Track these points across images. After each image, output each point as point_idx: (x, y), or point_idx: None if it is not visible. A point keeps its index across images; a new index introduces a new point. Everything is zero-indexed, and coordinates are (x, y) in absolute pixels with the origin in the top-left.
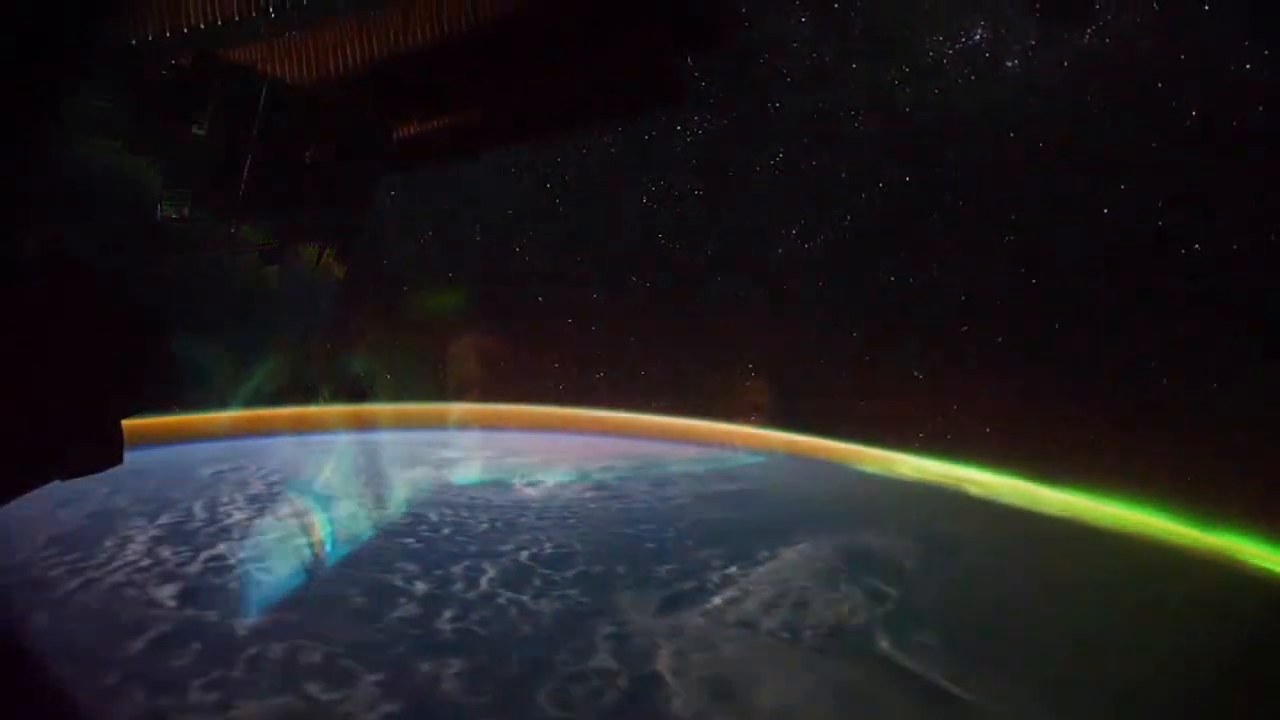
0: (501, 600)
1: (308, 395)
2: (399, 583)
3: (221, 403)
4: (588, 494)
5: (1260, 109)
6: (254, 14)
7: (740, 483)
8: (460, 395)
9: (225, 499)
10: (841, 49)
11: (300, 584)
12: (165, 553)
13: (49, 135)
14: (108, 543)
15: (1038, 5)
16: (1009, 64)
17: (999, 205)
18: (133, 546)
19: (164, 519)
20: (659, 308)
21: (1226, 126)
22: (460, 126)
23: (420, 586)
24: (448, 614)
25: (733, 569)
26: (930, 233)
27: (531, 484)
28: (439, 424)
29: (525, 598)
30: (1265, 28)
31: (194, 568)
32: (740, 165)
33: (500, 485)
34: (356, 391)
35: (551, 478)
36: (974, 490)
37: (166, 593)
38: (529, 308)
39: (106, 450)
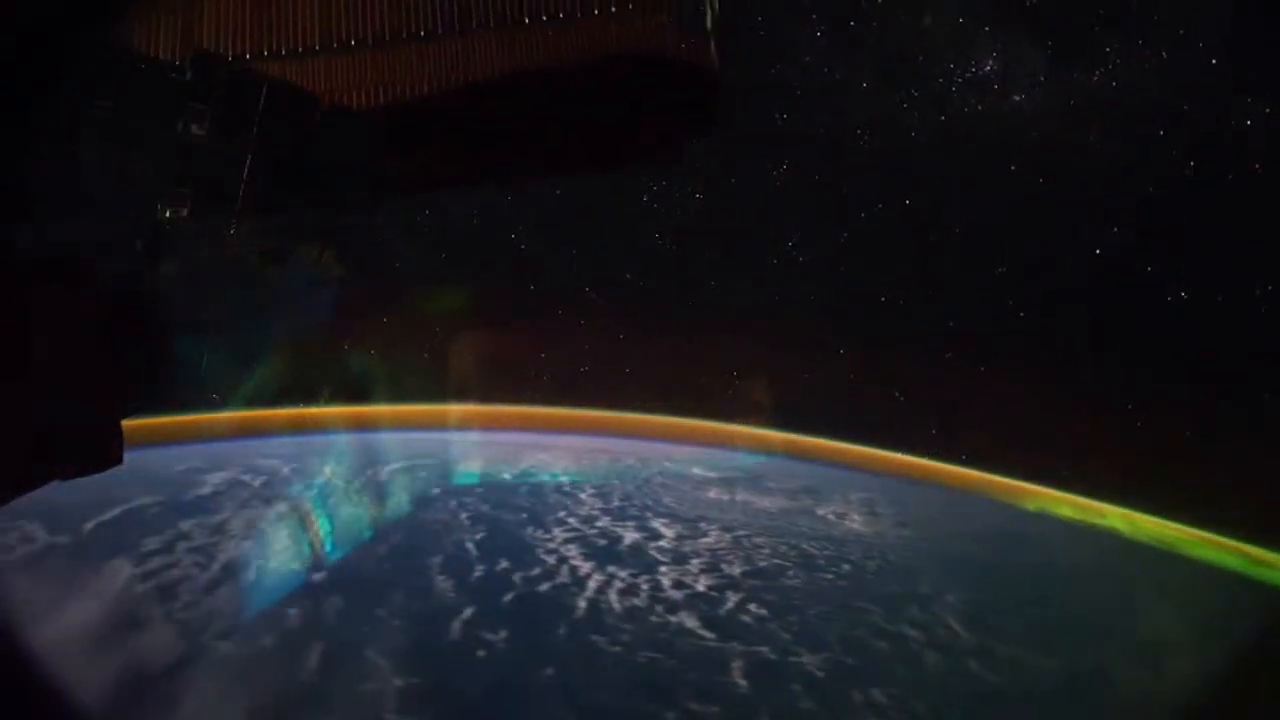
0: None
1: (308, 395)
2: None
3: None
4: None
5: (1257, 166)
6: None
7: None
8: (460, 395)
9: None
10: (853, 67)
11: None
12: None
13: (49, 135)
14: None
15: (1049, 41)
16: (1016, 97)
17: (994, 235)
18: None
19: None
20: (653, 307)
21: (1223, 179)
22: (457, 167)
23: None
24: None
25: None
26: (925, 257)
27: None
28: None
29: None
30: (1266, 86)
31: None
32: (743, 173)
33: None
34: (356, 391)
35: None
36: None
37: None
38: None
39: (106, 450)
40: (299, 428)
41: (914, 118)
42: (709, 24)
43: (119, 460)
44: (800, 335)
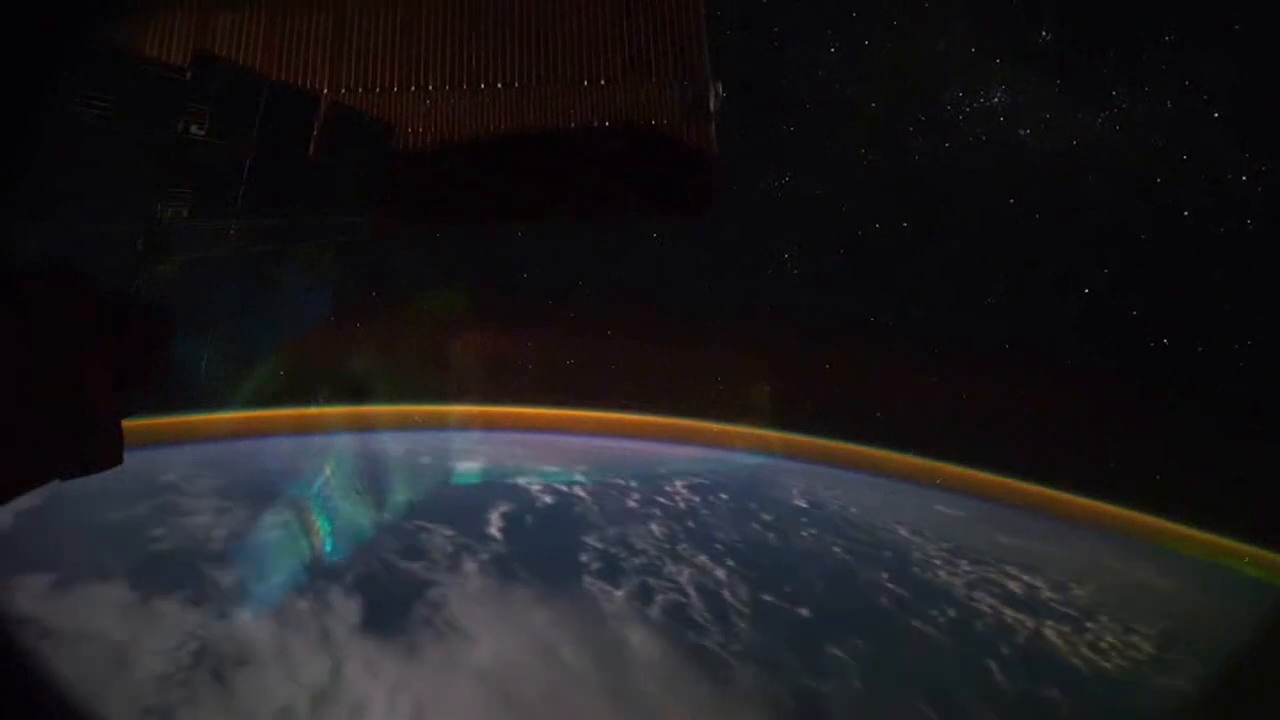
0: None
1: (308, 395)
2: None
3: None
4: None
5: (1248, 221)
6: None
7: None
8: (460, 395)
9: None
10: (864, 86)
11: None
12: None
13: (49, 135)
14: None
15: (1059, 80)
16: (1021, 131)
17: (988, 265)
18: None
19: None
20: (646, 306)
21: (1216, 230)
22: (480, 202)
23: None
24: None
25: None
26: (917, 282)
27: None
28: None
29: None
30: (1265, 143)
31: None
32: (745, 180)
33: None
34: (356, 391)
35: None
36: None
37: None
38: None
39: (106, 450)
40: (299, 428)
41: (919, 142)
42: (712, 107)
43: (119, 460)
44: (788, 347)
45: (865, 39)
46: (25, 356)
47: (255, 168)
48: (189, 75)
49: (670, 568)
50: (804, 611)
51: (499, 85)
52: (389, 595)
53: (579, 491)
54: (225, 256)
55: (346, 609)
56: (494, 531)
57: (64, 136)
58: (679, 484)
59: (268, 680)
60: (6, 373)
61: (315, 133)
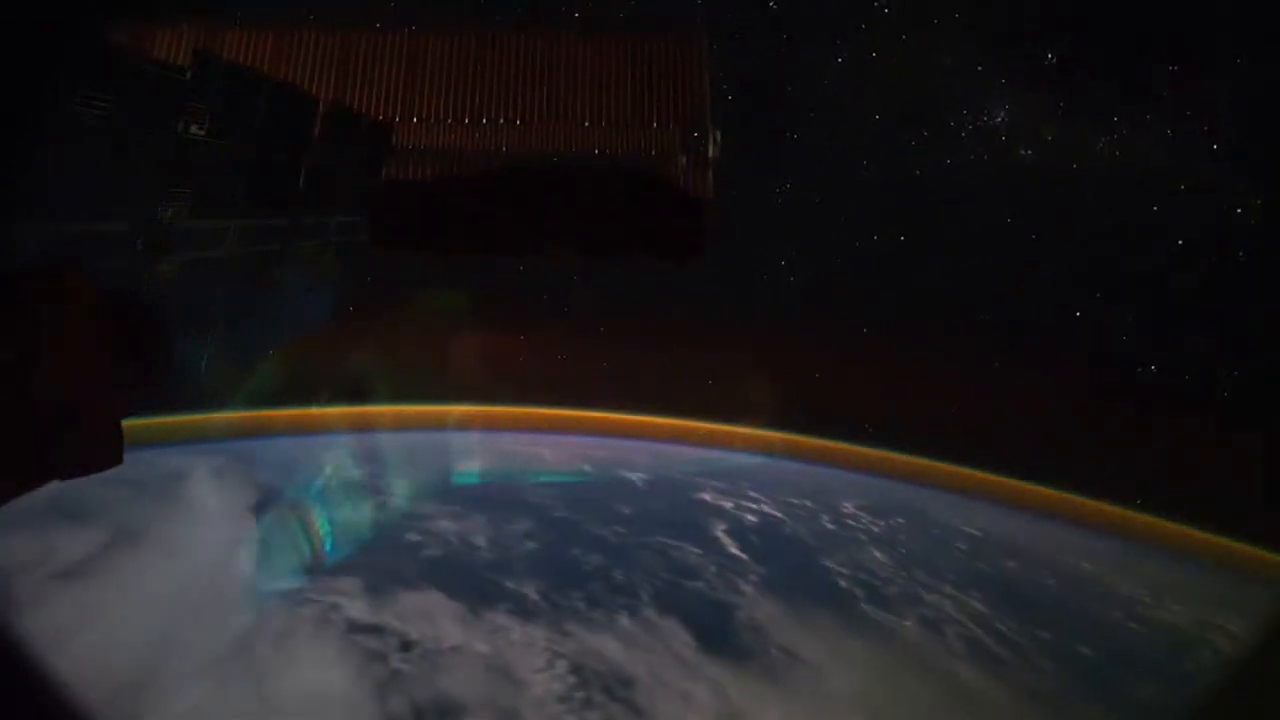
0: None
1: (308, 395)
2: None
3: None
4: None
5: (1240, 253)
6: None
7: None
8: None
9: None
10: (869, 97)
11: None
12: None
13: (49, 135)
14: None
15: (1061, 103)
16: (1022, 151)
17: (981, 283)
18: None
19: None
20: (638, 305)
21: (1208, 261)
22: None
23: None
24: None
25: None
26: (911, 295)
27: None
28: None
29: None
30: (1262, 176)
31: None
32: (746, 185)
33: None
34: (356, 391)
35: None
36: None
37: None
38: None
39: (106, 450)
40: (299, 428)
41: (921, 156)
42: (711, 153)
43: (119, 460)
44: (780, 351)
45: (873, 50)
46: (25, 357)
47: (255, 168)
48: (189, 75)
49: (929, 597)
50: (1085, 650)
51: (501, 121)
52: (707, 617)
53: (768, 509)
54: (225, 256)
55: (671, 629)
56: (735, 551)
57: (64, 136)
58: (850, 505)
59: (663, 701)
60: (7, 373)
61: (315, 133)
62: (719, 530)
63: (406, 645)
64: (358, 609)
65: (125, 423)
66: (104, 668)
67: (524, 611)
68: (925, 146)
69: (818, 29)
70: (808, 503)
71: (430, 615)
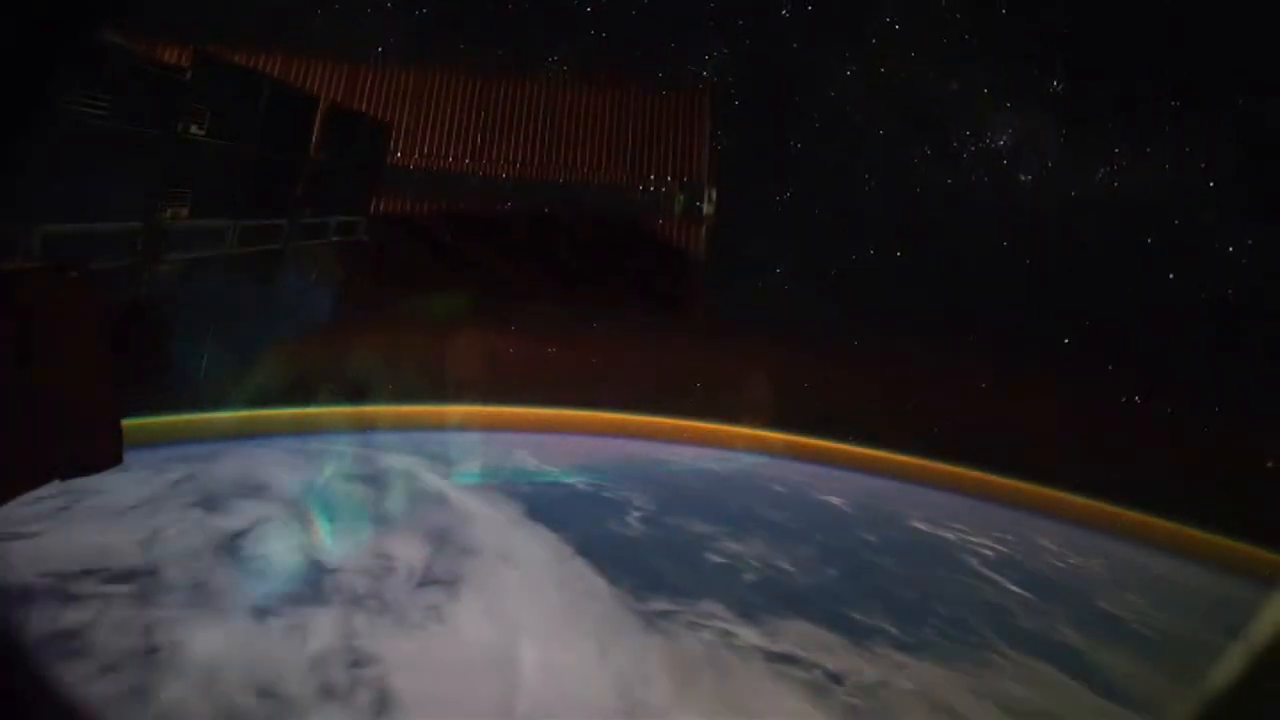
0: None
1: (307, 395)
2: None
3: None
4: None
5: (1229, 291)
6: None
7: None
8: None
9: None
10: (874, 112)
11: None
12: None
13: (49, 135)
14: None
15: (1064, 131)
16: (1022, 176)
17: (973, 305)
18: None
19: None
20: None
21: (1196, 297)
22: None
23: None
24: None
25: None
26: (903, 312)
27: None
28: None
29: None
30: (1256, 217)
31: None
32: (746, 191)
33: None
34: (356, 391)
35: None
36: None
37: None
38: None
39: (106, 450)
40: (300, 428)
41: (922, 174)
42: (706, 210)
43: (119, 460)
44: (771, 356)
45: (881, 66)
46: (25, 356)
47: (255, 168)
48: (189, 75)
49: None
50: None
51: (501, 162)
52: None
53: (986, 541)
54: (225, 256)
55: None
56: (1015, 588)
57: (64, 136)
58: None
59: None
60: (7, 373)
61: (315, 133)
62: (978, 564)
63: (835, 678)
64: (754, 637)
65: (125, 423)
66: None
67: (902, 644)
68: (927, 165)
69: (827, 39)
70: (1007, 536)
71: (825, 645)
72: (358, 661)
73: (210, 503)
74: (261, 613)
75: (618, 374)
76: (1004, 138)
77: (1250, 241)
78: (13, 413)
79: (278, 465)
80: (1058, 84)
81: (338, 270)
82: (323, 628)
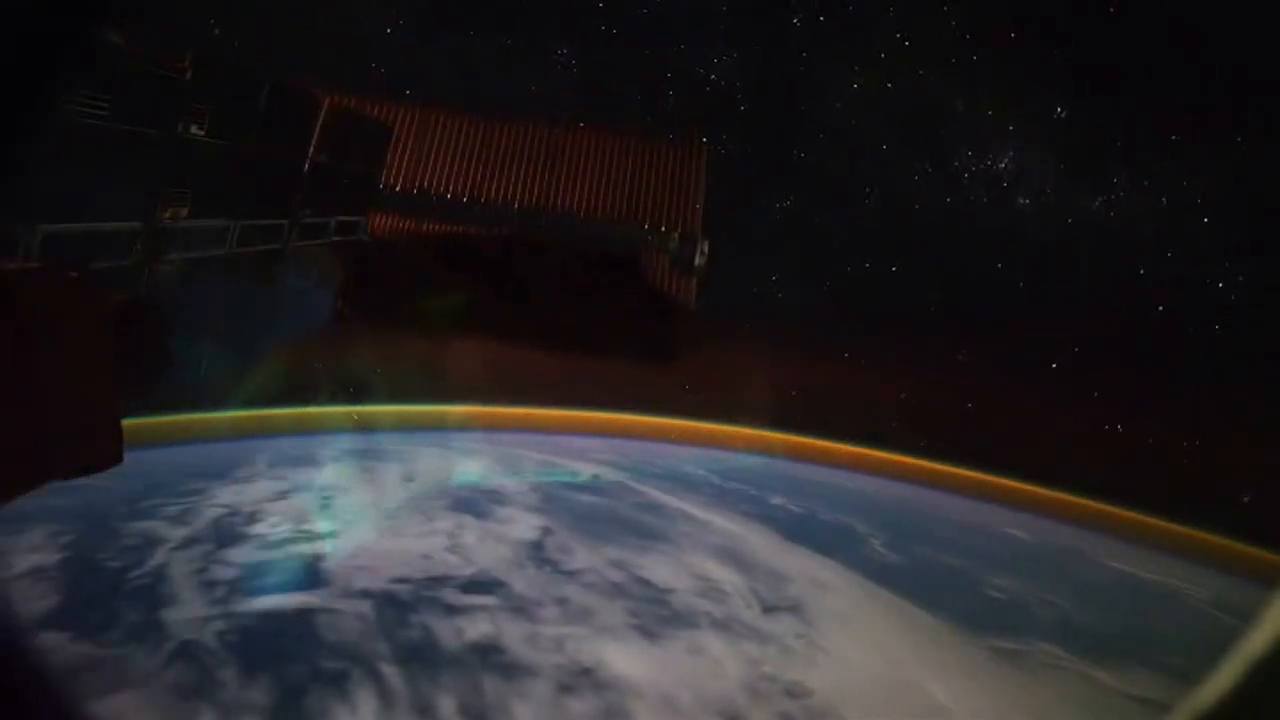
0: None
1: (307, 395)
2: None
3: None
4: None
5: (1216, 327)
6: None
7: None
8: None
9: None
10: (879, 127)
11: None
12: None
13: (49, 135)
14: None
15: (1065, 158)
16: (1021, 200)
17: (964, 323)
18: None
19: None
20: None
21: (1185, 329)
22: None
23: None
24: None
25: None
26: (895, 327)
27: None
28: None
29: None
30: (1246, 255)
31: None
32: (746, 197)
33: None
34: (355, 392)
35: None
36: None
37: None
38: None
39: (106, 450)
40: (300, 428)
41: (922, 191)
42: (697, 261)
43: (119, 460)
44: (759, 361)
45: (889, 82)
46: (25, 356)
47: (255, 168)
48: (189, 75)
49: None
50: None
51: (498, 201)
52: None
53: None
54: (225, 256)
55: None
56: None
57: (64, 136)
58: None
59: None
60: (7, 373)
61: (315, 133)
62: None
63: None
64: (1119, 680)
65: (125, 422)
66: None
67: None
68: (928, 182)
69: (837, 52)
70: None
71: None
72: (792, 691)
73: (469, 506)
74: (646, 633)
75: (612, 375)
76: (1005, 160)
77: (1240, 278)
78: (11, 413)
79: (468, 465)
80: (1061, 111)
81: (338, 270)
82: (716, 650)
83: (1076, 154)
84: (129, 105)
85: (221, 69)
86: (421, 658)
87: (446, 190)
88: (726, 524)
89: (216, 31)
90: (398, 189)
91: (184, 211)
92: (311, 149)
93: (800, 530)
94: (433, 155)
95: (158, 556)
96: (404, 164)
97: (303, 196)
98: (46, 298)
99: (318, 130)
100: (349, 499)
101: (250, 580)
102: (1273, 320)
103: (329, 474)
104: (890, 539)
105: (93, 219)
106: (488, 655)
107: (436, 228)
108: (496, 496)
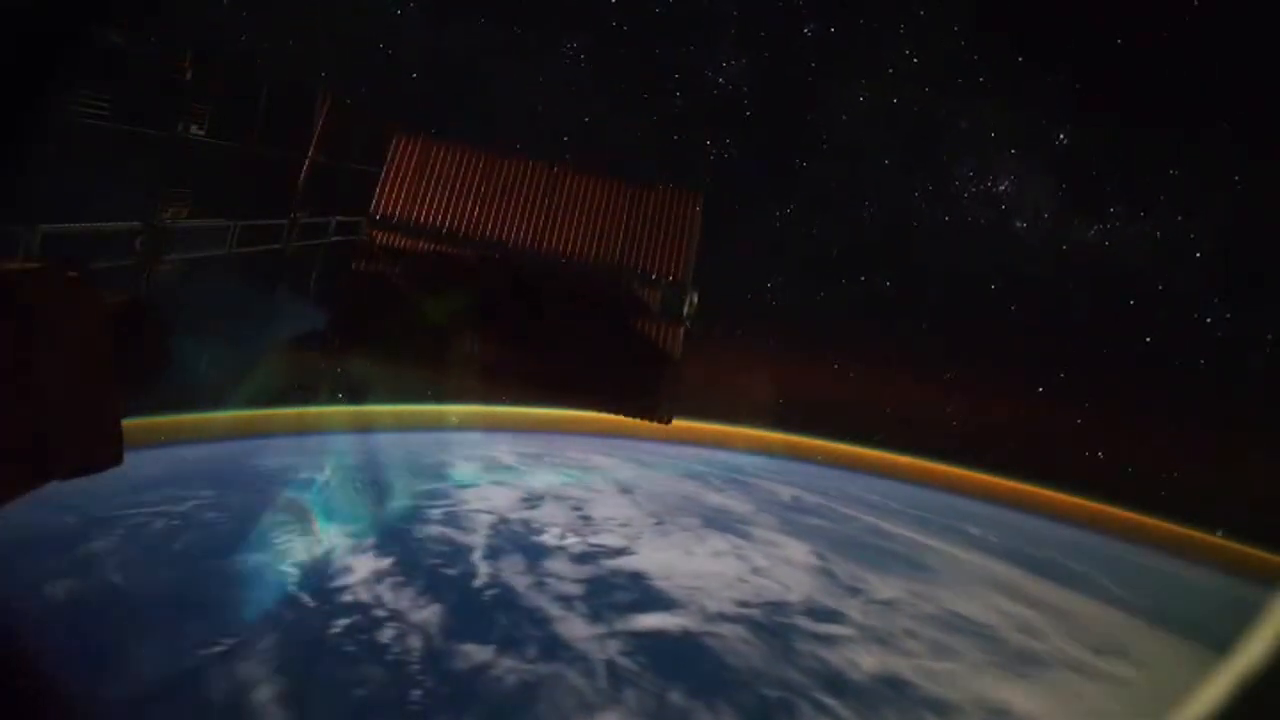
0: None
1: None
2: None
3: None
4: None
5: (1200, 361)
6: None
7: None
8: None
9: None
10: (883, 142)
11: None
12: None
13: (49, 135)
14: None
15: (1064, 184)
16: (1018, 223)
17: (954, 342)
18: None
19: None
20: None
21: (1172, 361)
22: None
23: None
24: None
25: None
26: (886, 341)
27: None
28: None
29: None
30: (1235, 294)
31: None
32: (746, 203)
33: None
34: (354, 392)
35: None
36: None
37: None
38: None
39: (106, 450)
40: (299, 428)
41: (921, 208)
42: (686, 312)
43: (119, 460)
44: (749, 365)
45: (895, 97)
46: (25, 356)
47: (255, 168)
48: (189, 75)
49: None
50: None
51: (493, 238)
52: None
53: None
54: (225, 256)
55: None
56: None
57: (64, 136)
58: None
59: None
60: (6, 372)
61: (315, 134)
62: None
63: None
64: None
65: (125, 422)
66: None
67: None
68: (927, 199)
69: (846, 64)
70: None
71: None
72: None
73: (722, 525)
74: (1013, 671)
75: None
76: (1005, 183)
77: (1227, 315)
78: (11, 413)
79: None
80: (1064, 138)
81: (340, 269)
82: (1090, 692)
83: (1076, 181)
84: (129, 105)
85: (221, 69)
86: (845, 690)
87: (440, 223)
88: (967, 554)
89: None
90: (392, 218)
91: (184, 211)
92: (311, 149)
93: (1044, 564)
94: (429, 187)
95: (481, 566)
96: (399, 194)
97: (303, 196)
98: (46, 298)
99: (318, 130)
100: (600, 510)
101: (600, 597)
102: (1255, 359)
103: (549, 480)
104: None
105: (93, 219)
106: (902, 689)
107: (425, 258)
108: (737, 516)
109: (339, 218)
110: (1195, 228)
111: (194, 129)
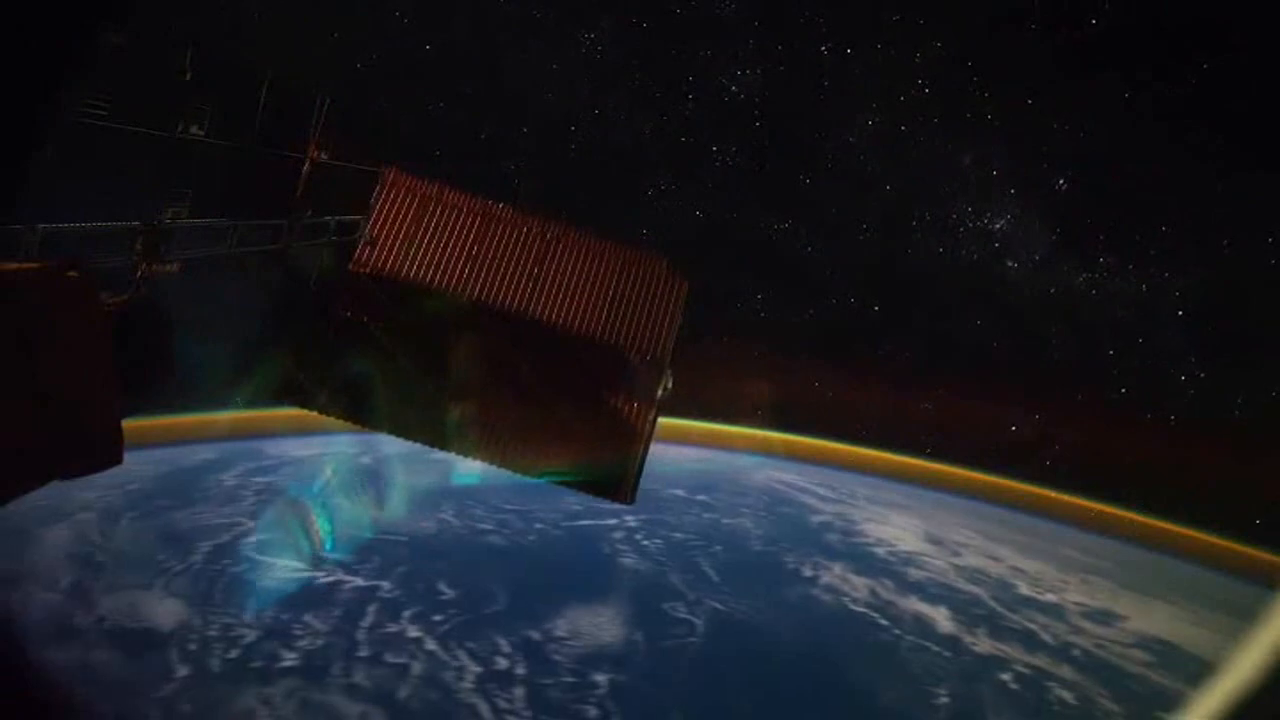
0: None
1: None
2: None
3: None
4: None
5: (1173, 418)
6: None
7: None
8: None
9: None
10: (885, 167)
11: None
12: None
13: (49, 135)
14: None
15: (1059, 229)
16: (1009, 262)
17: (938, 369)
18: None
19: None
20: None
21: (1144, 415)
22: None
23: None
24: None
25: None
26: (869, 366)
27: None
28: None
29: None
30: (1213, 354)
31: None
32: (746, 213)
33: None
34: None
35: None
36: None
37: None
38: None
39: (106, 450)
40: (299, 428)
41: (916, 237)
42: (660, 394)
43: (119, 460)
44: (731, 379)
45: (902, 124)
46: (25, 356)
47: (255, 168)
48: (189, 75)
49: None
50: None
51: (491, 304)
52: None
53: None
54: (225, 256)
55: None
56: None
57: (64, 136)
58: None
59: None
60: (7, 373)
61: (314, 134)
62: None
63: None
64: None
65: (125, 422)
66: None
67: None
68: (923, 229)
69: (859, 87)
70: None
71: None
72: None
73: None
74: None
75: None
76: (1001, 221)
77: (1202, 375)
78: (12, 413)
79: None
80: (1063, 183)
81: (338, 269)
82: None
83: (1070, 228)
84: (129, 105)
85: (221, 69)
86: None
87: (428, 279)
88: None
89: None
90: (382, 269)
91: (184, 211)
92: (311, 149)
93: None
94: (420, 237)
95: (841, 584)
96: (388, 246)
97: (303, 196)
98: (46, 298)
99: (318, 131)
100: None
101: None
102: (1227, 419)
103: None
104: None
105: (93, 219)
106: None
107: (408, 308)
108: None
109: (339, 218)
110: (1180, 286)
111: (194, 129)
